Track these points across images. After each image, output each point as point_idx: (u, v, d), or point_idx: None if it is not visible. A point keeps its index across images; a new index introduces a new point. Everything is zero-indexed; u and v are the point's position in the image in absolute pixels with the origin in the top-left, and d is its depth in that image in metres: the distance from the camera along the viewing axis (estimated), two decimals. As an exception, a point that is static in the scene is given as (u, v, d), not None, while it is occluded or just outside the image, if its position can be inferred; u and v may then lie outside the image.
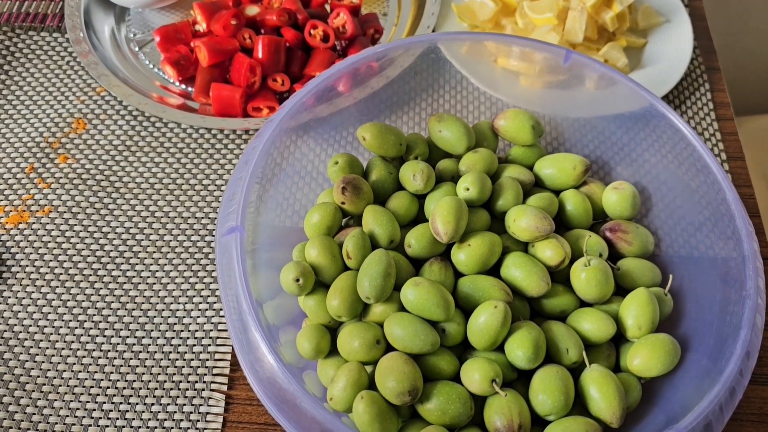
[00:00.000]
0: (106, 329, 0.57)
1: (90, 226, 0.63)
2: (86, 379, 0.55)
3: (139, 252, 0.61)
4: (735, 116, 0.73)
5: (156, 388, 0.54)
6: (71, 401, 0.54)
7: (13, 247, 0.61)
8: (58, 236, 0.62)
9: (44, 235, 0.62)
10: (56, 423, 0.53)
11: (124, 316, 0.58)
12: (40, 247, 0.61)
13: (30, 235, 0.62)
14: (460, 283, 0.51)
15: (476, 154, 0.57)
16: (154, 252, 0.61)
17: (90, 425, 0.53)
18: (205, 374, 0.55)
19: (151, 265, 0.60)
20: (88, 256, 0.61)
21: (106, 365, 0.55)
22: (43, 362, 0.55)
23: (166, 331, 0.57)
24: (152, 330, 0.57)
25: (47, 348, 0.56)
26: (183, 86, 0.72)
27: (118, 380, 0.55)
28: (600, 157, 0.62)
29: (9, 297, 0.59)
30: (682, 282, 0.53)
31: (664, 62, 0.73)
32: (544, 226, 0.51)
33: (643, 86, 0.57)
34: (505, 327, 0.47)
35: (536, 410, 0.46)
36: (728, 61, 0.82)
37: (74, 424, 0.53)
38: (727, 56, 0.83)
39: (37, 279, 0.59)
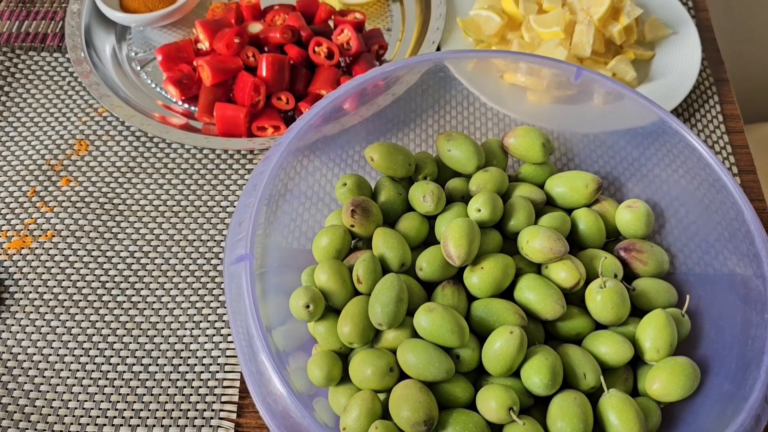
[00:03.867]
0: (112, 357, 0.56)
1: (93, 250, 0.61)
2: (92, 408, 0.54)
3: (144, 277, 0.60)
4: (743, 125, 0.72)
5: (164, 417, 0.53)
6: (77, 432, 0.53)
7: (15, 272, 0.60)
8: (61, 261, 0.61)
9: (47, 261, 0.61)
10: (62, 455, 0.52)
11: (130, 343, 0.57)
12: (43, 273, 0.60)
13: (33, 260, 0.61)
14: (474, 307, 0.50)
15: (486, 174, 0.56)
16: (159, 276, 0.60)
17: (97, 457, 0.52)
18: (214, 402, 0.54)
19: (157, 290, 0.59)
20: (92, 281, 0.60)
21: (112, 394, 0.54)
22: (47, 392, 0.54)
23: (173, 357, 0.56)
24: (159, 357, 0.56)
25: (52, 377, 0.55)
26: (186, 106, 0.71)
27: (125, 409, 0.53)
28: (610, 173, 0.61)
29: (12, 324, 0.57)
30: (699, 302, 0.52)
31: (673, 75, 0.72)
32: (559, 247, 0.50)
33: (652, 101, 0.56)
34: (521, 353, 0.46)
35: (555, 438, 0.45)
36: (734, 69, 0.81)
37: (80, 456, 0.52)
38: (733, 64, 0.82)
39: (41, 306, 0.58)
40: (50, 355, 0.56)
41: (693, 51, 0.73)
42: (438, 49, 0.74)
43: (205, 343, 0.57)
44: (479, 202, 0.53)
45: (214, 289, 0.59)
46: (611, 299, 0.49)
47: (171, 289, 0.59)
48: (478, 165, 0.57)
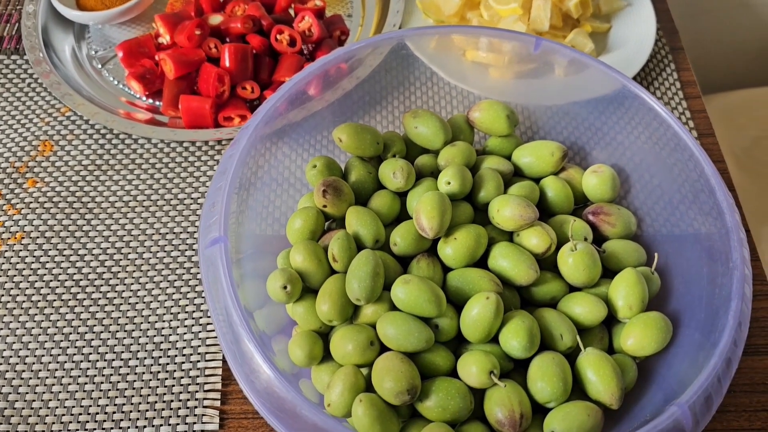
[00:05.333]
0: (91, 354, 0.56)
1: (65, 249, 0.61)
2: (74, 406, 0.53)
3: (119, 272, 0.60)
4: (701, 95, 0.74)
5: (147, 410, 0.53)
6: (60, 431, 0.52)
7: (-14, 277, 0.59)
8: (33, 262, 0.60)
9: (18, 263, 0.60)
10: (46, 454, 0.51)
11: (108, 339, 0.56)
12: (15, 275, 0.59)
13: (3, 263, 0.60)
14: (449, 278, 0.51)
15: (454, 148, 0.57)
16: (134, 271, 0.60)
17: (81, 454, 0.51)
18: (197, 391, 0.54)
19: (132, 284, 0.59)
20: (66, 280, 0.59)
21: (93, 391, 0.54)
22: (27, 393, 0.54)
23: (153, 350, 0.56)
24: (138, 351, 0.56)
25: (30, 378, 0.54)
26: (150, 101, 0.71)
27: (107, 405, 0.53)
28: (575, 142, 0.63)
29: (-14, 329, 0.57)
30: (667, 259, 0.53)
31: (629, 45, 0.73)
32: (529, 214, 0.51)
33: (614, 68, 0.57)
34: (498, 318, 0.47)
35: (535, 398, 0.46)
36: (689, 41, 0.83)
37: (65, 454, 0.51)
38: (688, 37, 0.84)
39: (14, 308, 0.58)
40: (27, 356, 0.55)
41: (648, 21, 0.75)
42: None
43: (185, 334, 0.57)
44: (448, 175, 0.53)
45: (190, 280, 0.59)
46: (583, 261, 0.50)
47: (147, 283, 0.59)
48: (445, 140, 0.57)
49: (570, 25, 0.73)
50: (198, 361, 0.55)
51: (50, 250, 0.61)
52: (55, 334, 0.56)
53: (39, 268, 0.60)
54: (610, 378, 0.46)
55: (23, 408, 0.53)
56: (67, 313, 0.57)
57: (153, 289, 0.59)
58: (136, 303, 0.58)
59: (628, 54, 0.72)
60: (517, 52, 0.61)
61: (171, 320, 0.57)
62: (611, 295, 0.51)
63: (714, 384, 0.41)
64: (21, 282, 0.59)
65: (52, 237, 0.62)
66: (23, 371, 0.55)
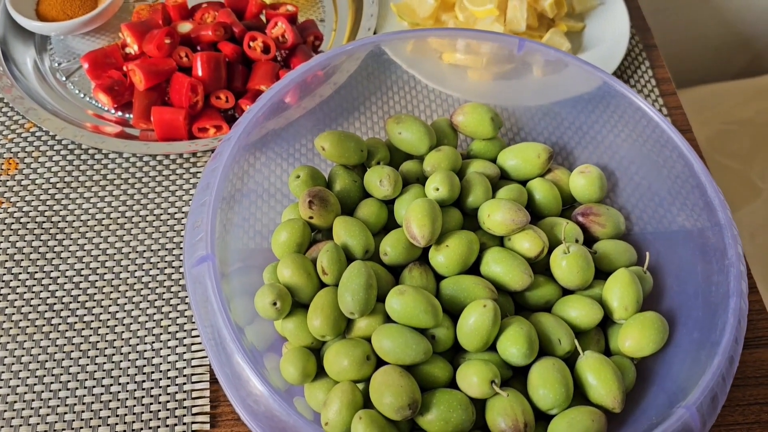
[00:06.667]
0: (69, 382, 0.53)
1: (36, 272, 0.58)
2: (53, 438, 0.50)
3: (95, 294, 0.57)
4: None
5: (132, 438, 0.51)
6: (40, 465, 0.49)
7: (-49, 305, 0.56)
8: (2, 287, 0.57)
9: (-14, 289, 0.57)
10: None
11: (87, 365, 0.54)
12: (-17, 302, 0.56)
13: (-30, 290, 0.57)
14: (443, 286, 0.50)
15: (439, 153, 0.56)
16: (112, 292, 0.57)
17: (64, 488, 0.48)
18: (185, 415, 0.52)
19: (110, 306, 0.56)
20: (38, 305, 0.56)
21: (74, 421, 0.51)
22: (2, 427, 0.51)
23: (136, 375, 0.53)
24: (120, 376, 0.53)
25: (5, 411, 0.51)
26: (119, 113, 0.68)
27: (89, 435, 0.51)
28: (557, 142, 0.62)
29: (-46, 361, 0.53)
30: (658, 258, 0.53)
31: (605, 44, 0.74)
32: (520, 218, 0.50)
33: (595, 66, 0.57)
34: (496, 325, 0.46)
35: (538, 405, 0.45)
36: (660, 36, 0.84)
37: (46, 490, 0.48)
38: (658, 32, 0.84)
39: (-16, 337, 0.55)
40: (0, 388, 0.52)
41: (621, 19, 0.75)
42: (375, 34, 0.73)
43: (168, 355, 0.54)
44: (437, 181, 0.52)
45: (171, 299, 0.57)
46: (576, 264, 0.50)
47: (125, 304, 0.57)
48: (430, 145, 0.56)
49: (545, 24, 0.73)
50: (184, 384, 0.53)
51: (20, 273, 0.58)
52: (29, 362, 0.54)
53: (9, 294, 0.57)
54: (611, 381, 0.45)
55: (-1, 443, 0.50)
56: (41, 339, 0.55)
57: (132, 310, 0.56)
58: (116, 326, 0.55)
59: (603, 52, 0.73)
60: (495, 54, 0.61)
61: (153, 342, 0.55)
62: (606, 296, 0.50)
63: (719, 383, 0.41)
64: (-10, 309, 0.56)
65: (22, 260, 0.59)
66: (-3, 404, 0.52)
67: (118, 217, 0.61)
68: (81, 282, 0.58)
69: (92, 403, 0.52)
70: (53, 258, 0.59)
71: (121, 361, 0.54)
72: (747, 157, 1.01)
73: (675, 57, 1.12)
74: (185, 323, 0.56)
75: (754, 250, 0.91)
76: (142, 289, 0.57)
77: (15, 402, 0.52)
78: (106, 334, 0.55)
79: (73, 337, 0.55)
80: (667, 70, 0.76)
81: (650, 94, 0.73)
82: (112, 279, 0.58)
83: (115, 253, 0.59)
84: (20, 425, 0.51)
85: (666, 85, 0.74)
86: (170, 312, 0.56)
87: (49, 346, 0.54)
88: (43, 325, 0.55)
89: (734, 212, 0.73)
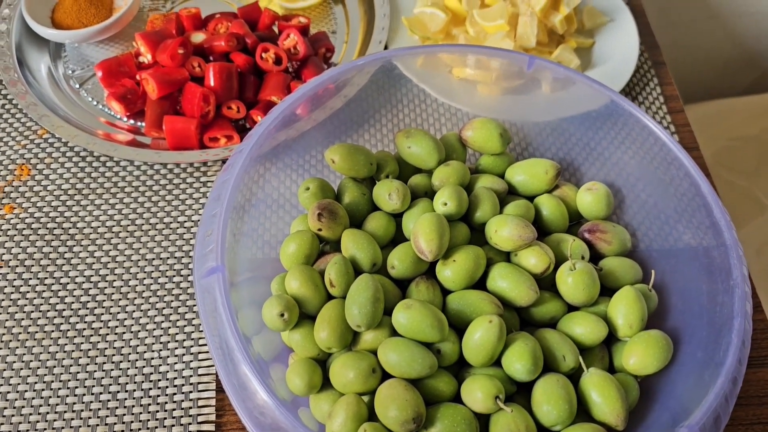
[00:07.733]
0: (77, 388, 0.53)
1: (47, 278, 0.59)
2: (60, 443, 0.51)
3: (104, 301, 0.58)
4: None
5: (138, 445, 0.51)
6: (46, 470, 0.50)
7: (-38, 309, 0.57)
8: (12, 293, 0.58)
9: (-3, 294, 0.58)
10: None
11: (95, 371, 0.54)
12: (-6, 307, 0.57)
13: (-19, 294, 0.57)
14: (449, 300, 0.50)
15: (448, 167, 0.56)
16: (120, 300, 0.58)
17: (70, 494, 0.49)
18: (190, 424, 0.52)
19: (119, 313, 0.57)
20: (48, 311, 0.57)
21: (80, 427, 0.52)
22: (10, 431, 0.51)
23: (143, 382, 0.54)
24: (127, 383, 0.54)
25: (13, 416, 0.52)
26: (131, 121, 0.69)
27: (95, 441, 0.51)
28: (565, 159, 0.63)
29: (-36, 364, 0.54)
30: (663, 276, 0.53)
31: (614, 60, 0.74)
32: (528, 234, 0.51)
33: (603, 84, 0.57)
34: (501, 341, 0.46)
35: (541, 422, 0.46)
36: (668, 53, 0.84)
37: (53, 495, 0.49)
38: (667, 49, 0.85)
39: (-6, 341, 0.55)
40: (9, 393, 0.53)
41: (630, 36, 0.75)
42: (385, 48, 0.74)
43: (175, 364, 0.55)
44: (445, 195, 0.53)
45: (179, 307, 0.58)
46: (582, 280, 0.50)
47: (134, 311, 0.57)
48: (439, 159, 0.57)
49: (555, 40, 0.74)
50: (190, 392, 0.53)
51: (30, 279, 0.59)
52: (38, 368, 0.54)
53: (19, 299, 0.57)
54: (614, 399, 0.46)
55: (7, 447, 0.51)
56: (50, 345, 0.55)
57: (141, 317, 0.57)
58: (124, 333, 0.56)
59: (612, 69, 0.73)
60: (504, 69, 0.61)
61: (161, 350, 0.55)
62: (611, 313, 0.50)
63: (722, 404, 0.41)
64: (0, 314, 0.56)
65: (33, 266, 0.59)
66: (5, 408, 0.52)
67: (128, 225, 0.62)
68: (90, 288, 0.58)
69: (99, 409, 0.52)
70: (63, 264, 0.59)
71: (128, 368, 0.54)
72: (753, 173, 1.01)
73: (682, 72, 1.12)
74: (192, 332, 0.56)
75: (760, 266, 0.91)
76: (150, 296, 0.58)
77: (23, 407, 0.52)
78: (115, 340, 0.56)
79: (81, 343, 0.55)
80: (675, 87, 0.76)
81: (658, 111, 0.73)
82: (121, 286, 0.58)
83: (124, 261, 0.60)
84: (27, 430, 0.51)
85: (674, 102, 0.75)
86: (178, 320, 0.57)
87: (57, 352, 0.55)
88: (52, 331, 0.56)
89: (739, 229, 0.73)
